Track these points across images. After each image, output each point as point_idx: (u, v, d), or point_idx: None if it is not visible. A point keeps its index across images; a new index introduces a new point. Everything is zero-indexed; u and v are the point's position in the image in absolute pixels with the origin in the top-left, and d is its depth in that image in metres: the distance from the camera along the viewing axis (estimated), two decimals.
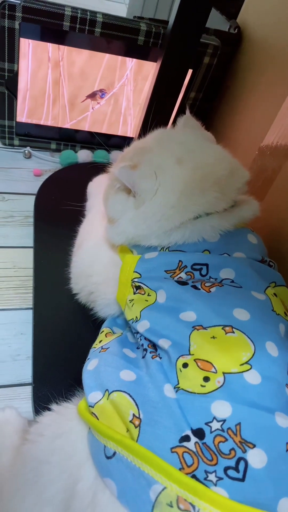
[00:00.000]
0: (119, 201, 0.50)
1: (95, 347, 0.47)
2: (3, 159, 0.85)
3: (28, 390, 0.55)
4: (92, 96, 0.83)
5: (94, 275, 0.55)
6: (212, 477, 0.31)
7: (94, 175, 0.74)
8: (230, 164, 0.49)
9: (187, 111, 0.56)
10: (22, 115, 0.84)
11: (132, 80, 0.82)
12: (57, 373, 0.54)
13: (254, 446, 0.32)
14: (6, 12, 0.67)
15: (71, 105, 0.84)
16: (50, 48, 0.75)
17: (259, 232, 0.51)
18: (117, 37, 0.74)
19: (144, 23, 0.73)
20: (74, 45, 0.75)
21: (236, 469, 0.31)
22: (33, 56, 0.75)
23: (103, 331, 0.52)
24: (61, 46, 0.75)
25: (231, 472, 0.31)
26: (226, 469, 0.31)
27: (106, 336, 0.49)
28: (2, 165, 0.84)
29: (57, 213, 0.74)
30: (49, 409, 0.42)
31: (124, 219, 0.50)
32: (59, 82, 0.80)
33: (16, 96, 0.79)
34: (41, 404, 0.47)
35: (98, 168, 0.64)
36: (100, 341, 0.48)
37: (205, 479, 0.31)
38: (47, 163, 0.88)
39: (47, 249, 0.69)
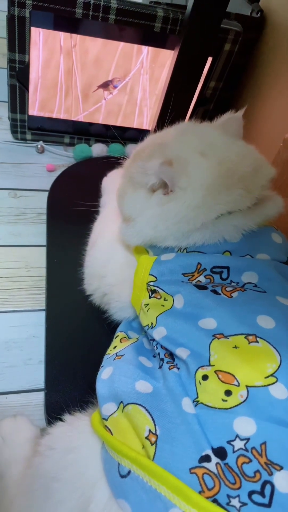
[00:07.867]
0: (139, 199, 0.48)
1: (109, 354, 0.46)
2: (15, 154, 0.83)
3: (41, 396, 0.54)
4: (105, 86, 0.80)
5: (108, 276, 0.53)
6: (235, 502, 0.29)
7: (109, 169, 0.72)
8: (255, 161, 0.47)
9: (240, 113, 0.51)
10: (34, 108, 0.82)
11: (148, 68, 0.78)
12: (70, 379, 0.53)
13: (282, 468, 0.30)
14: None
15: (84, 96, 0.81)
16: (62, 36, 0.72)
17: (283, 231, 0.48)
18: (132, 24, 0.71)
19: (161, 9, 0.70)
20: (88, 34, 0.72)
21: (262, 493, 0.29)
22: (44, 45, 0.73)
23: (117, 335, 0.50)
24: (74, 34, 0.72)
25: (256, 497, 0.29)
26: (250, 493, 0.29)
27: (121, 342, 0.48)
28: (14, 161, 0.82)
29: (71, 209, 0.72)
30: (61, 419, 0.41)
31: (142, 218, 0.47)
32: (71, 71, 0.77)
33: (27, 89, 0.77)
34: (52, 414, 0.45)
35: (113, 162, 0.62)
36: (115, 347, 0.47)
37: (228, 504, 0.29)
38: (60, 157, 0.86)
39: (60, 247, 0.68)
